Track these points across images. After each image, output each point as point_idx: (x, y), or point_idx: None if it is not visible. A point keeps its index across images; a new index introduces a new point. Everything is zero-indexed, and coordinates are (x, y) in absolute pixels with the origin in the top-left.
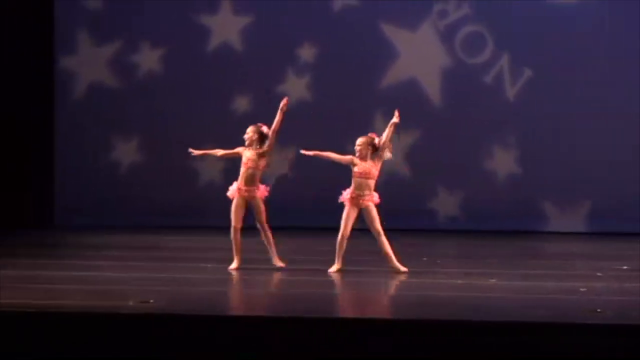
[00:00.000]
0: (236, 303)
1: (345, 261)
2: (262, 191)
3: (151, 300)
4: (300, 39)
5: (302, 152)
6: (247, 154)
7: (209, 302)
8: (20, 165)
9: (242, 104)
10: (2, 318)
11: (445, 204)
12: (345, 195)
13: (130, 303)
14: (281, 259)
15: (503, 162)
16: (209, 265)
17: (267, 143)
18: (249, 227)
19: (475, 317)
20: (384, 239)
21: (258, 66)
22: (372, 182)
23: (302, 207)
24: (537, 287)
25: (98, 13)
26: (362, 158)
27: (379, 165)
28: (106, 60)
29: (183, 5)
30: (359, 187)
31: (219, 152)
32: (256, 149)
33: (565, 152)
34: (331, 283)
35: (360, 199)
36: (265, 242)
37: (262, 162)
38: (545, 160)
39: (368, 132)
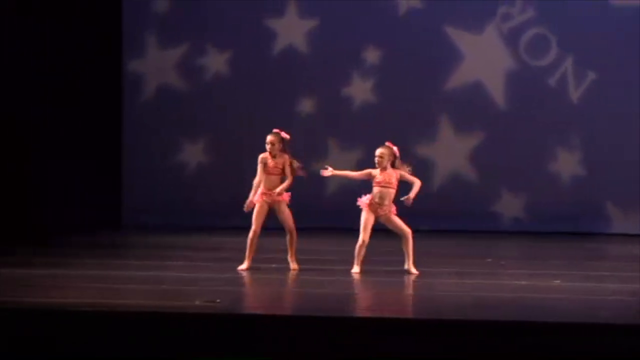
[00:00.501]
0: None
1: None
2: (284, 196)
3: (218, 300)
4: (365, 42)
5: (322, 173)
6: (272, 163)
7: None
8: (89, 166)
9: (307, 106)
10: (72, 317)
11: (510, 206)
12: (364, 200)
13: (197, 303)
14: (298, 261)
15: (567, 164)
16: (273, 265)
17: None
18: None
19: (539, 318)
20: (410, 239)
21: (323, 69)
22: (392, 192)
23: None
24: (600, 289)
25: (166, 17)
26: (383, 169)
27: (398, 176)
28: (174, 63)
29: (249, 9)
30: (380, 196)
31: (256, 179)
32: (281, 157)
33: (629, 153)
34: (391, 283)
35: (379, 208)
36: (288, 244)
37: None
38: (609, 162)
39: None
